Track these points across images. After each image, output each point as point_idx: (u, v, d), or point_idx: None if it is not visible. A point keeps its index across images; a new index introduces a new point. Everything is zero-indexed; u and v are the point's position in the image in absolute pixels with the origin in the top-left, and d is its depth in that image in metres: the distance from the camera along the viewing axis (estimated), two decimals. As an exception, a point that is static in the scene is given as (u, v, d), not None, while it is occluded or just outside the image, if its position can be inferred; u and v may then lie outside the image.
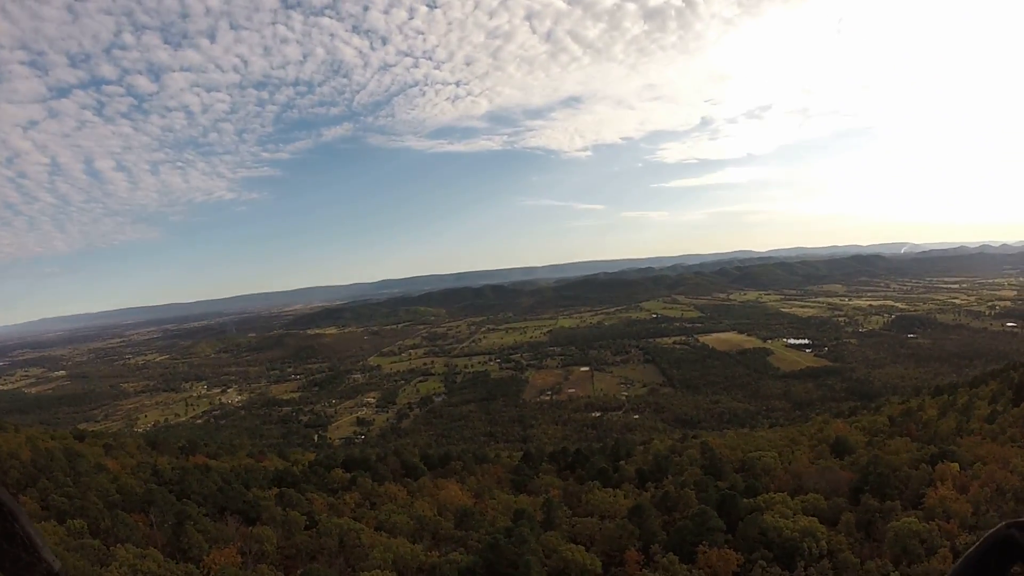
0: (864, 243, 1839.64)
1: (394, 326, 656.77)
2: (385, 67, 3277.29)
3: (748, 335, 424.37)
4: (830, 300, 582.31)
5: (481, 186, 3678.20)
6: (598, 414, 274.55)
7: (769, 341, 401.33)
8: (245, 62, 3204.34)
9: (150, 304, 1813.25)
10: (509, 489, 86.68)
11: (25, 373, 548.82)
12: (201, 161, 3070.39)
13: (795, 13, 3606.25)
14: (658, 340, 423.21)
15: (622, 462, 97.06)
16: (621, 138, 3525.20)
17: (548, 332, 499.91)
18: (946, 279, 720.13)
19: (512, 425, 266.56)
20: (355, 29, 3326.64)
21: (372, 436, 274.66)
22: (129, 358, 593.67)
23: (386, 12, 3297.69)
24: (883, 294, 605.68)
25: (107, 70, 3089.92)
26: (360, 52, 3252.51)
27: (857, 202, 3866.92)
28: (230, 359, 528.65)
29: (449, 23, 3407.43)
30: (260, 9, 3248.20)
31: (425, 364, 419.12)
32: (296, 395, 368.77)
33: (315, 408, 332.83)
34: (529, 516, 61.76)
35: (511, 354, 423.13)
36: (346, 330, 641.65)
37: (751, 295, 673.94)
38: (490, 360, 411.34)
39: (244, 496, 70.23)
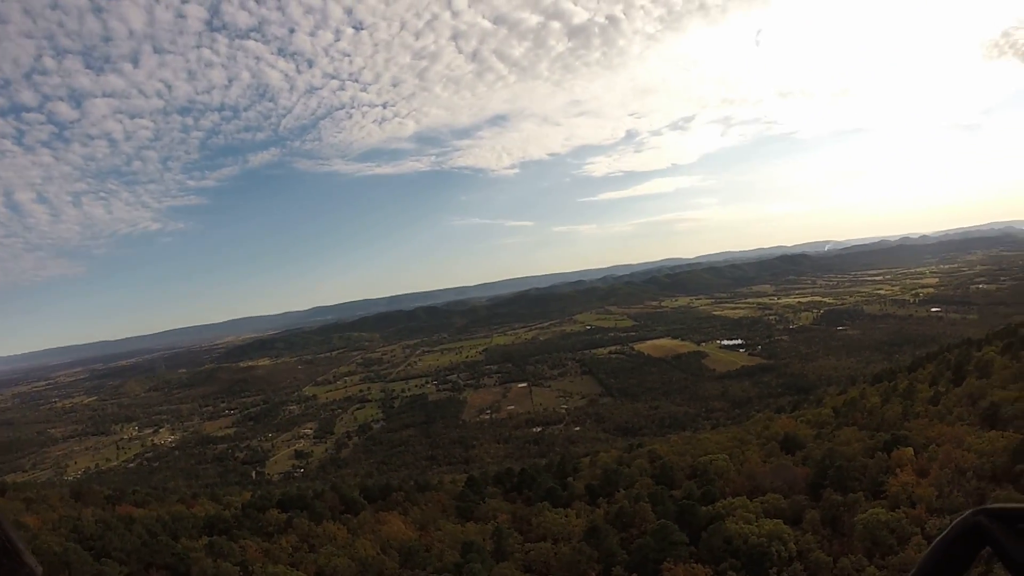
0: (789, 244, 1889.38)
1: (328, 354, 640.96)
2: (311, 90, 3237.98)
3: (682, 340, 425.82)
4: (760, 300, 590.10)
5: (410, 208, 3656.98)
6: (539, 429, 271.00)
7: (703, 344, 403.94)
8: (169, 87, 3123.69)
9: (76, 343, 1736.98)
10: (455, 517, 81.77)
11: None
12: (125, 191, 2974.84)
13: (716, 28, 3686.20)
14: (594, 351, 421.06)
15: (570, 479, 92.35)
16: (548, 154, 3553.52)
17: (483, 351, 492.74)
18: (870, 272, 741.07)
19: (453, 447, 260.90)
20: (281, 52, 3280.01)
21: (311, 469, 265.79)
22: (56, 401, 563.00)
23: (312, 34, 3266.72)
24: (811, 291, 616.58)
25: (27, 96, 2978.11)
26: (286, 75, 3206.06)
27: (781, 205, 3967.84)
28: (161, 397, 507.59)
29: (375, 44, 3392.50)
30: (184, 32, 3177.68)
31: (361, 391, 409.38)
32: (231, 431, 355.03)
33: (251, 443, 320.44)
34: (478, 548, 57.33)
35: (448, 375, 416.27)
36: (279, 360, 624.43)
37: (682, 301, 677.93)
38: (427, 382, 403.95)
39: (172, 548, 63.99)
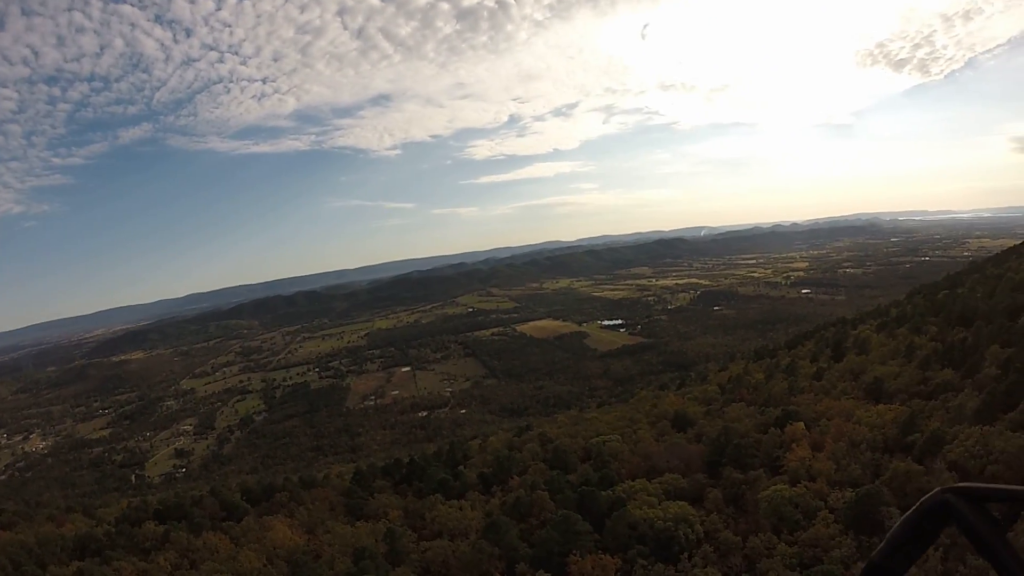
0: (667, 229, 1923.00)
1: (205, 344, 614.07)
2: (188, 61, 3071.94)
3: (564, 320, 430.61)
4: (638, 282, 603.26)
5: (288, 188, 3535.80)
6: (425, 413, 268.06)
7: (584, 324, 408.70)
8: (36, 53, 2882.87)
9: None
10: (344, 516, 76.79)
11: None
12: None
13: (603, 19, 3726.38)
14: (477, 333, 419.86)
15: (461, 467, 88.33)
16: (430, 136, 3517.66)
17: (365, 335, 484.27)
18: (744, 256, 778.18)
19: (339, 435, 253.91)
20: (158, 19, 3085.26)
21: (194, 468, 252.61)
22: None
23: (192, 2, 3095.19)
24: (687, 273, 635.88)
25: None
26: (162, 44, 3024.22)
27: (659, 192, 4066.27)
28: (29, 399, 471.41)
29: (258, 16, 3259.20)
30: None
31: (241, 382, 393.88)
32: (106, 432, 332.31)
33: (128, 444, 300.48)
34: (371, 553, 53.22)
35: (330, 362, 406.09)
36: (154, 353, 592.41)
37: (563, 282, 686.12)
38: (309, 370, 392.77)
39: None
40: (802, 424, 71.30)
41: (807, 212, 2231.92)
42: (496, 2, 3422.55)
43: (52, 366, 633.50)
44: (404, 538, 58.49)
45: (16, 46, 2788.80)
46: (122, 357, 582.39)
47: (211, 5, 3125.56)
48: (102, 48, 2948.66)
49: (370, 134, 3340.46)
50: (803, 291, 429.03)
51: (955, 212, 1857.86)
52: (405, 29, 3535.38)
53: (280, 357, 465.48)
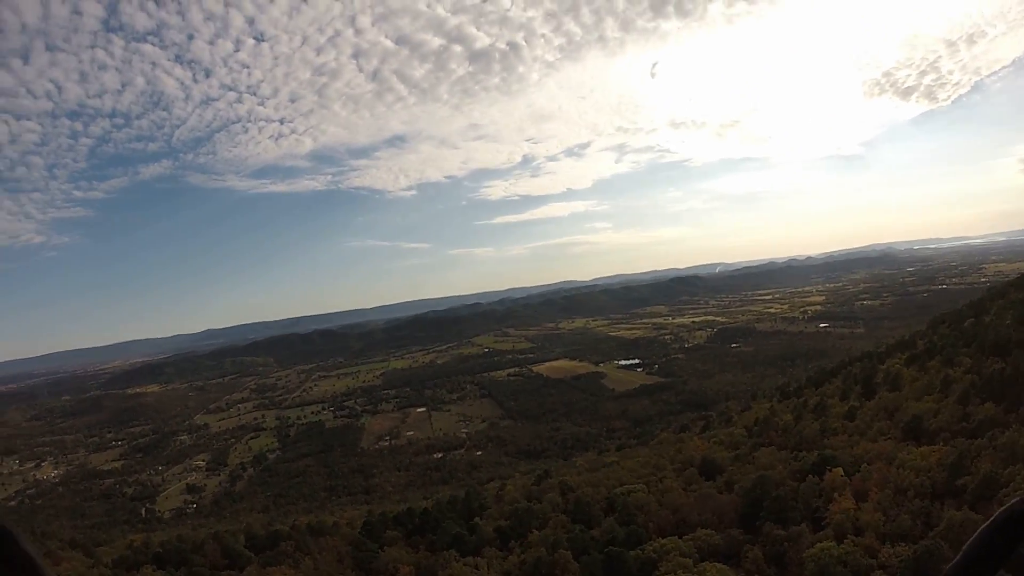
0: (682, 266, 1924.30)
1: (220, 380, 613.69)
2: (208, 101, 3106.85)
3: (580, 360, 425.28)
4: (655, 320, 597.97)
5: (305, 228, 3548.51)
6: (440, 455, 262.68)
7: (601, 364, 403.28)
8: (59, 88, 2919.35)
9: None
10: (352, 570, 72.88)
11: None
12: (7, 199, 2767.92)
13: (613, 59, 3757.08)
14: (493, 374, 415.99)
15: (477, 519, 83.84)
16: (445, 177, 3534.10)
17: (381, 375, 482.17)
18: (760, 292, 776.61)
19: (353, 476, 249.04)
20: (178, 59, 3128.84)
21: (205, 504, 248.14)
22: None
23: (211, 43, 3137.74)
24: (704, 311, 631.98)
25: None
26: (182, 84, 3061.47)
27: (673, 229, 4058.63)
28: (43, 427, 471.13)
29: (276, 58, 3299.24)
30: (79, 30, 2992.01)
31: (255, 419, 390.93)
32: (118, 464, 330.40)
33: (140, 477, 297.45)
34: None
35: (345, 401, 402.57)
36: (169, 387, 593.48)
37: (579, 322, 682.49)
38: (324, 409, 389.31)
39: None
40: (840, 470, 66.91)
41: (821, 245, 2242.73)
42: (508, 44, 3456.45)
43: (67, 395, 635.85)
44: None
45: (40, 80, 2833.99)
46: (137, 390, 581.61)
47: (230, 46, 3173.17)
48: (123, 85, 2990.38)
49: (385, 175, 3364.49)
50: (821, 325, 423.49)
51: (969, 238, 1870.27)
52: (419, 71, 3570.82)
53: (295, 395, 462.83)
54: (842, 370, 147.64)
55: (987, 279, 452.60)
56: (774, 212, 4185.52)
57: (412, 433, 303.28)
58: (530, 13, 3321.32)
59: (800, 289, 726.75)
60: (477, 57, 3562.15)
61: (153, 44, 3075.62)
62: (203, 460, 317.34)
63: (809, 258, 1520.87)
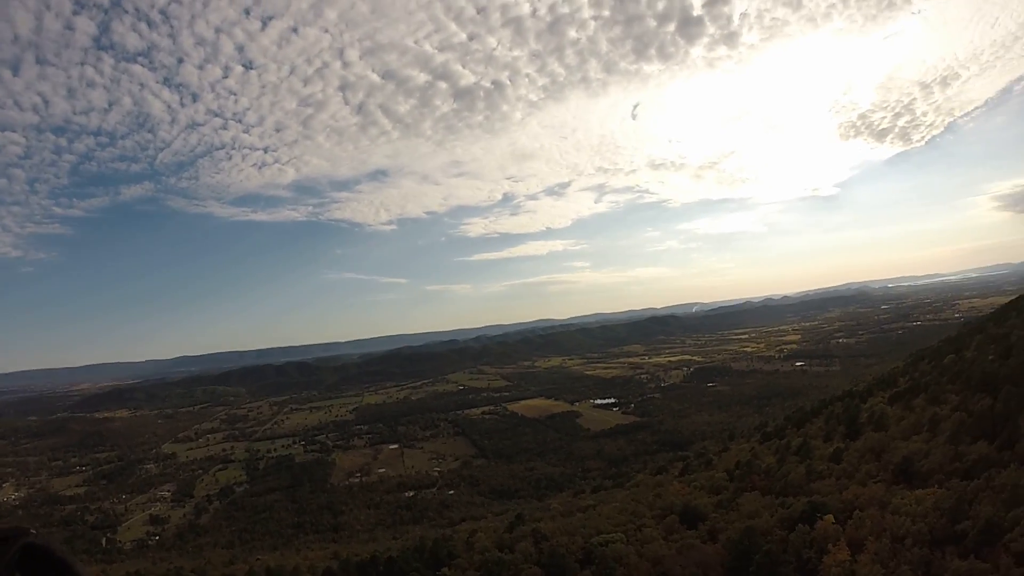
0: (659, 306, 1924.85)
1: (190, 408, 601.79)
2: (193, 125, 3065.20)
3: (556, 400, 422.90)
4: (631, 360, 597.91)
5: (284, 258, 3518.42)
6: (411, 493, 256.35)
7: (577, 404, 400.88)
8: (47, 102, 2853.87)
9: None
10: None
11: None
12: None
13: (595, 100, 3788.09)
14: (467, 412, 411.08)
15: (445, 569, 79.01)
16: (426, 212, 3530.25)
17: (354, 410, 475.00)
18: (736, 331, 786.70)
19: (321, 513, 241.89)
20: (167, 81, 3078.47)
21: (168, 536, 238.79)
22: None
23: (200, 68, 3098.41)
24: (680, 350, 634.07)
25: None
26: (169, 107, 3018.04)
27: (651, 269, 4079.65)
28: (7, 447, 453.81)
29: (263, 86, 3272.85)
30: (71, 46, 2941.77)
31: (224, 450, 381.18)
32: (81, 490, 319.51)
33: (103, 505, 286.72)
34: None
35: (316, 435, 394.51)
36: (138, 413, 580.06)
37: (555, 360, 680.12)
38: (294, 443, 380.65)
39: None
40: (831, 517, 63.34)
41: (797, 284, 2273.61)
42: (492, 83, 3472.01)
43: (34, 415, 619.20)
44: None
45: (27, 92, 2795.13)
46: (106, 414, 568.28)
47: (219, 72, 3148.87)
48: (110, 104, 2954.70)
49: (366, 208, 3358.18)
50: (797, 363, 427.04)
51: (943, 275, 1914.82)
52: (404, 107, 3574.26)
53: (266, 427, 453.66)
54: (823, 409, 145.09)
55: (961, 315, 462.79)
56: (751, 252, 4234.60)
57: (383, 470, 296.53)
58: (515, 52, 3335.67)
59: (776, 328, 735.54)
60: (462, 94, 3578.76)
61: (143, 65, 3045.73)
62: (168, 490, 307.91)
63: (785, 297, 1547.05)
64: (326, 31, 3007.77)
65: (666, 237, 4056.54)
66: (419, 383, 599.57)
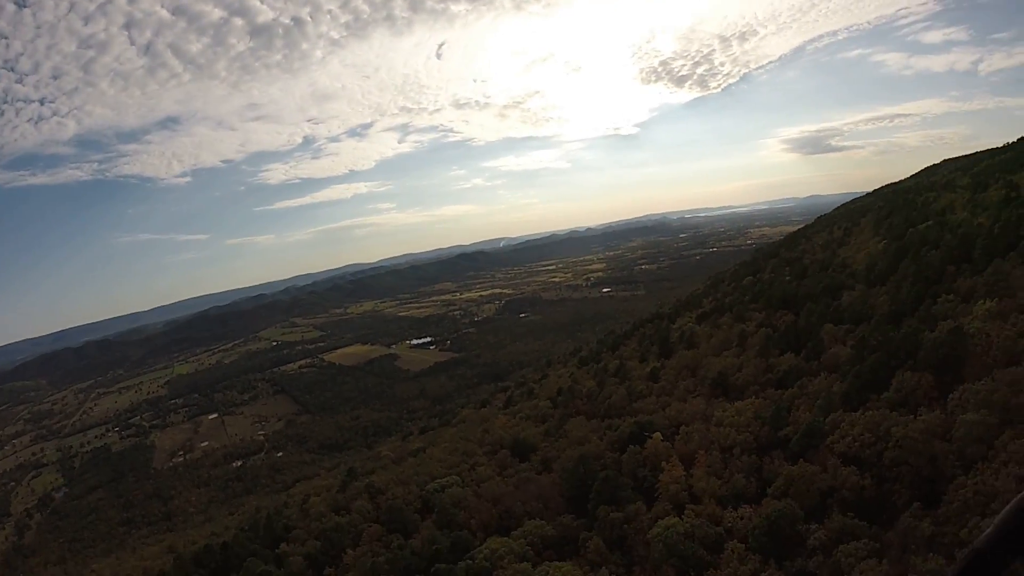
0: (467, 243, 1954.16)
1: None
2: None
3: (373, 344, 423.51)
4: (443, 298, 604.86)
5: (70, 224, 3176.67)
6: (239, 463, 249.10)
7: (394, 346, 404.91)
8: None
9: None
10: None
11: None
12: None
13: (400, 39, 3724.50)
14: (284, 368, 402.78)
15: (284, 545, 75.46)
16: (222, 161, 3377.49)
17: (166, 384, 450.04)
18: (544, 263, 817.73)
19: (150, 503, 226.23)
20: None
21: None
22: None
23: None
24: (491, 284, 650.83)
25: None
26: None
27: (457, 207, 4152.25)
28: None
29: (38, 27, 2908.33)
30: None
31: (35, 454, 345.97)
32: None
33: None
34: None
35: (130, 418, 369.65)
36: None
37: (368, 305, 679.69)
38: (108, 431, 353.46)
39: None
40: (659, 435, 65.25)
41: (600, 217, 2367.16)
42: (292, 19, 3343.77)
43: None
44: None
45: None
46: None
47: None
48: None
49: (157, 160, 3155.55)
50: (604, 290, 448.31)
51: (735, 206, 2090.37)
52: (196, 46, 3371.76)
53: (75, 419, 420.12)
54: (635, 331, 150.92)
55: (753, 242, 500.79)
56: (555, 188, 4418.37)
57: (207, 444, 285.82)
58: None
59: (582, 258, 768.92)
60: (259, 32, 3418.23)
61: None
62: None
63: (589, 229, 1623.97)
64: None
65: (472, 175, 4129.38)
66: (230, 344, 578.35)
